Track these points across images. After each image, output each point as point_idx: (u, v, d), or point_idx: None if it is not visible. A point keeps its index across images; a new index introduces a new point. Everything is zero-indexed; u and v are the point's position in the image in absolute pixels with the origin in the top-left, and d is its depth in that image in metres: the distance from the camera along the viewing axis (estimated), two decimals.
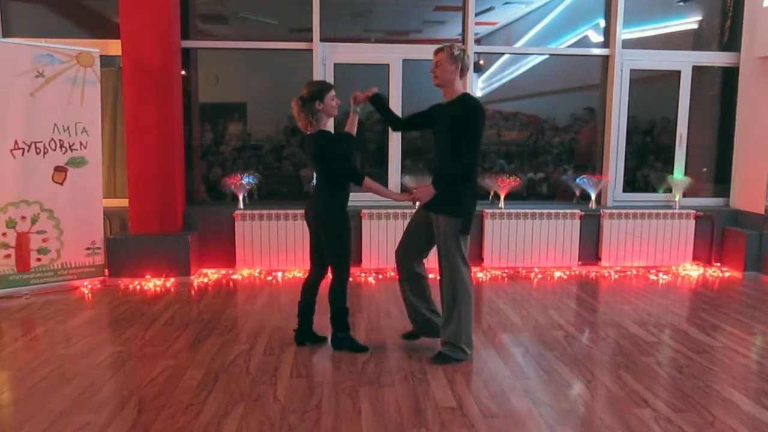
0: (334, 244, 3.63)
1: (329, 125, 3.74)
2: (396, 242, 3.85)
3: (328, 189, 3.64)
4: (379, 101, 3.83)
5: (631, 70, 6.16)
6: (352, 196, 3.70)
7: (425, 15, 6.40)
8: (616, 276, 5.82)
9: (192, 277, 5.48)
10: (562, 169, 6.50)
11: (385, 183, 6.02)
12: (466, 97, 3.54)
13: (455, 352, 3.58)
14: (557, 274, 5.82)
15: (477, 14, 5.99)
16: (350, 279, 3.77)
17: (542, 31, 6.30)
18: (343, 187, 3.63)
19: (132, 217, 5.50)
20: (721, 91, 6.48)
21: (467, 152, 3.44)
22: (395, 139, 6.00)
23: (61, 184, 5.09)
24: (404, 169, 6.10)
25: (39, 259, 5.04)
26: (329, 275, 3.75)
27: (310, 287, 3.83)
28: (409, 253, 3.74)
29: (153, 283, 5.29)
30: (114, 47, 5.51)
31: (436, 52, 3.56)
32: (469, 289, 3.56)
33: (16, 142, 4.86)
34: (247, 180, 5.79)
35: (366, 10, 6.32)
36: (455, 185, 3.50)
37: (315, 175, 3.78)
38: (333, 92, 3.62)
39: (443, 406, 3.03)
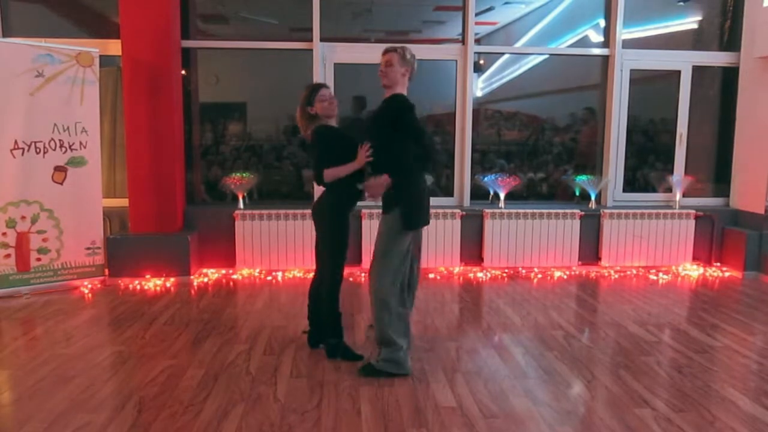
0: (329, 243, 3.61)
1: (332, 122, 3.68)
2: None
3: (330, 187, 3.61)
4: None
5: (631, 70, 6.16)
6: None
7: (425, 15, 6.40)
8: (616, 276, 5.82)
9: (192, 277, 5.47)
10: (562, 168, 6.50)
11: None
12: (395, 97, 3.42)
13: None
14: (557, 274, 5.82)
15: (477, 14, 5.99)
16: (341, 281, 3.64)
17: (542, 31, 6.30)
18: (344, 187, 3.58)
19: (132, 216, 5.50)
20: (721, 91, 6.48)
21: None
22: None
23: (61, 183, 5.09)
24: None
25: (39, 259, 5.04)
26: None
27: (315, 290, 3.75)
28: None
29: (153, 283, 5.29)
30: (114, 47, 5.51)
31: (386, 51, 3.42)
32: None
33: (15, 142, 4.86)
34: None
35: (366, 10, 6.31)
36: None
37: None
38: (323, 92, 3.53)
39: (443, 406, 3.02)
